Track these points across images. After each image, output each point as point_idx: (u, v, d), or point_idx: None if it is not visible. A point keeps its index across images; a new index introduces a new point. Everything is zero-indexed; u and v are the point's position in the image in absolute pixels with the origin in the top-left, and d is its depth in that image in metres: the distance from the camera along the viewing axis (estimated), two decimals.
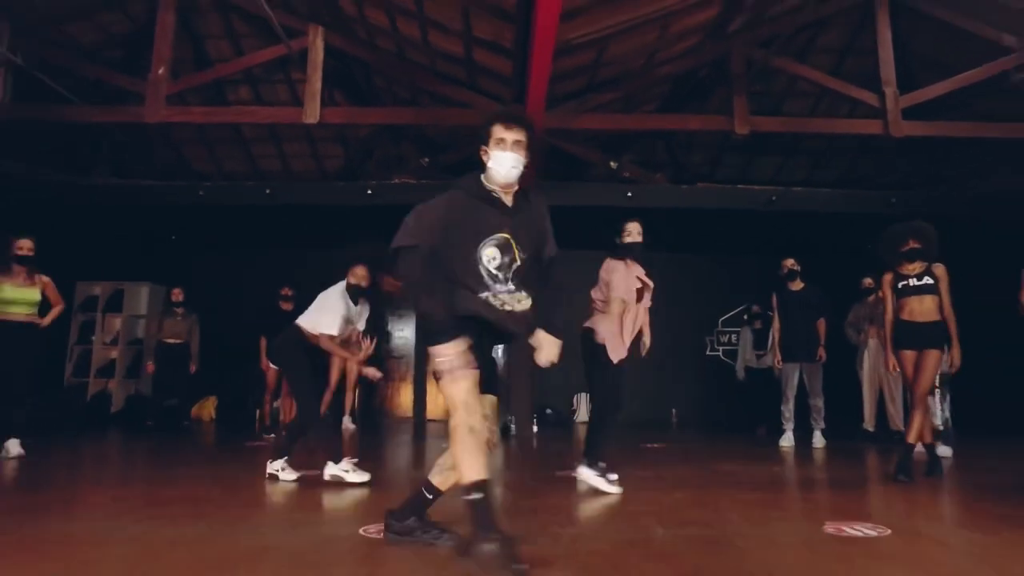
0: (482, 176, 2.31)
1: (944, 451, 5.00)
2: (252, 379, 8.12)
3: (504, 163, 2.23)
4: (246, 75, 7.65)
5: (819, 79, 6.30)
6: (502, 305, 2.25)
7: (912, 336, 4.08)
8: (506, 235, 2.25)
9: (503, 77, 6.02)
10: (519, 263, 2.27)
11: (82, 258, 8.57)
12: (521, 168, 2.27)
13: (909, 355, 4.10)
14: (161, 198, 7.44)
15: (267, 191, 7.33)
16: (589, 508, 3.20)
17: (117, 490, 3.60)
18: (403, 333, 9.94)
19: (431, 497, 2.38)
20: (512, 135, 2.25)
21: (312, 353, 3.93)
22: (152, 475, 4.23)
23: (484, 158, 2.29)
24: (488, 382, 2.29)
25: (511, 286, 2.25)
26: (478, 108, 6.16)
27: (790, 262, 6.01)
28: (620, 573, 2.07)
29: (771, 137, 8.02)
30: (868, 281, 6.37)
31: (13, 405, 4.76)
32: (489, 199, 2.28)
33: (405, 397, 9.69)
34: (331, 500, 3.37)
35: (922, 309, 4.08)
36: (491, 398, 2.34)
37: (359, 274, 3.99)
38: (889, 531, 2.62)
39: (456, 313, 2.21)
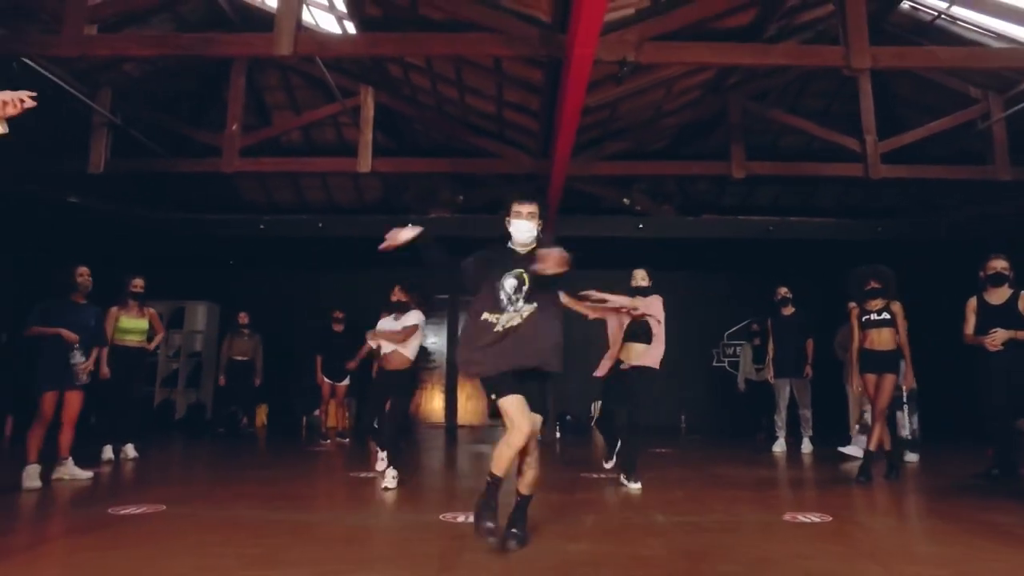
0: (510, 241, 3.07)
1: (911, 457, 5.87)
2: (301, 391, 9.19)
3: (521, 229, 3.01)
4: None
5: (807, 128, 7.16)
6: (508, 322, 2.87)
7: (873, 362, 4.97)
8: (520, 270, 2.94)
9: (530, 131, 6.97)
10: (527, 285, 2.92)
11: (150, 280, 9.64)
12: (535, 232, 3.03)
13: (871, 378, 4.99)
14: (225, 229, 8.49)
15: (319, 224, 8.35)
16: (606, 502, 4.13)
17: (236, 486, 4.59)
18: (435, 341, 10.84)
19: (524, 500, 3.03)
20: (526, 208, 3.01)
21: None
22: (252, 474, 5.22)
23: (507, 225, 3.04)
24: (534, 404, 3.06)
25: (520, 304, 2.89)
26: (507, 158, 7.12)
27: (783, 290, 6.89)
28: (628, 545, 3.01)
29: None
30: (852, 305, 7.18)
31: (127, 415, 5.80)
32: (511, 252, 3.04)
33: (437, 403, 10.68)
34: (409, 493, 4.35)
35: (880, 339, 4.98)
36: (537, 417, 3.25)
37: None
38: (831, 518, 3.53)
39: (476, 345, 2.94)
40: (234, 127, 7.05)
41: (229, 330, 8.31)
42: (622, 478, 4.50)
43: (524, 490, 3.00)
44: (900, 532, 3.37)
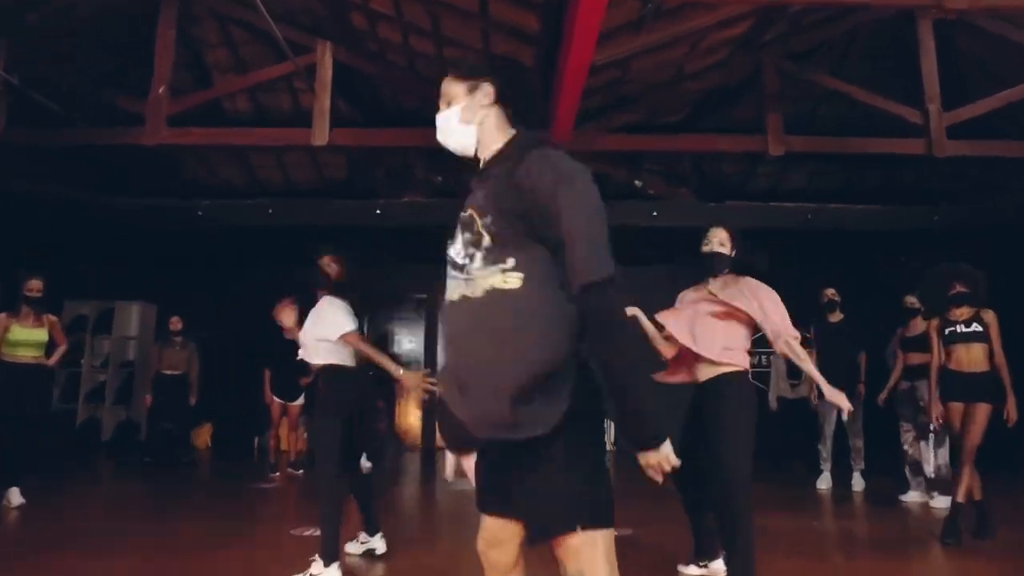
0: None
1: (939, 503, 5.06)
2: (252, 408, 8.35)
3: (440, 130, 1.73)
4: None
5: (857, 95, 6.39)
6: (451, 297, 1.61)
7: (961, 387, 4.22)
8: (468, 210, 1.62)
9: None
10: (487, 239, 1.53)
11: (70, 275, 8.78)
12: (460, 126, 1.68)
13: (957, 407, 4.23)
14: (156, 216, 7.63)
15: (269, 210, 7.51)
16: None
17: (132, 558, 3.77)
18: (412, 343, 10.04)
19: None
20: (444, 88, 1.73)
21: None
22: (166, 531, 4.38)
23: None
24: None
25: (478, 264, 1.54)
26: None
27: (830, 292, 6.14)
28: None
29: None
30: (911, 300, 6.31)
31: (21, 448, 4.96)
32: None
33: (412, 419, 9.88)
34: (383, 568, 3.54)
35: (971, 358, 4.22)
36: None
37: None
38: None
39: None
40: (160, 90, 6.21)
41: (159, 338, 7.49)
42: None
43: None
44: None
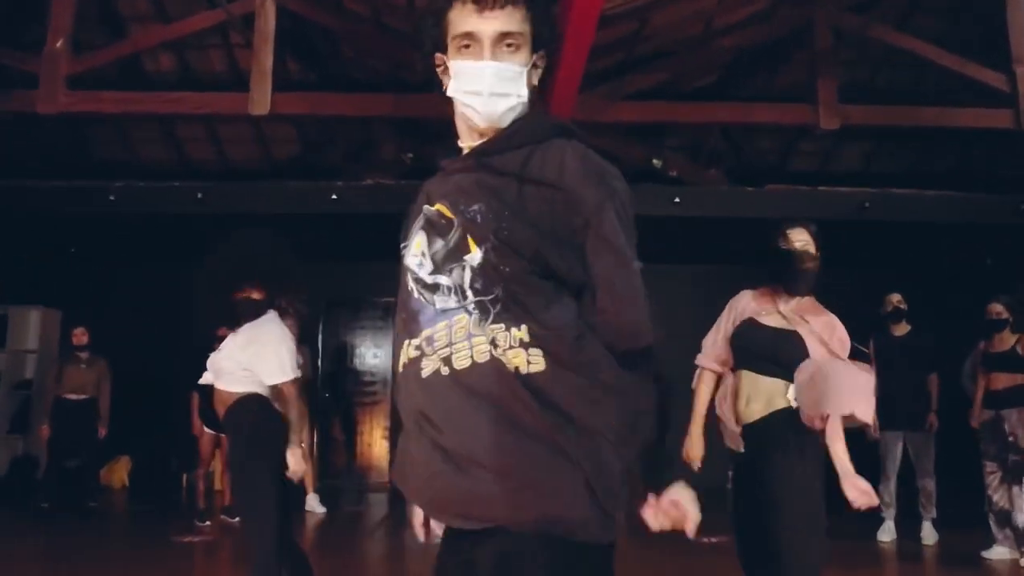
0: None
1: None
2: (177, 440, 8.17)
3: (476, 80, 1.39)
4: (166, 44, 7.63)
5: (929, 55, 6.30)
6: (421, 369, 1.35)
7: None
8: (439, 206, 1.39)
9: None
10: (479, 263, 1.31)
11: None
12: (518, 87, 1.39)
13: None
14: (58, 202, 7.41)
15: (199, 195, 7.30)
16: None
17: None
18: (377, 357, 9.88)
19: None
20: (490, 25, 1.37)
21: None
22: None
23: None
24: None
25: (454, 303, 1.33)
26: None
27: (896, 298, 6.08)
28: None
29: None
30: (997, 309, 5.73)
31: None
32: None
33: (378, 450, 9.71)
34: None
35: None
36: None
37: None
38: None
39: None
40: (58, 44, 6.02)
41: (61, 354, 7.31)
42: None
43: None
44: None
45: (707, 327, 3.48)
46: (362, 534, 6.59)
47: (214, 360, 3.56)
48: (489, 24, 1.37)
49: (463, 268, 1.31)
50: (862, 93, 7.06)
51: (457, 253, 1.32)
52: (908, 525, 5.99)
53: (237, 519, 6.73)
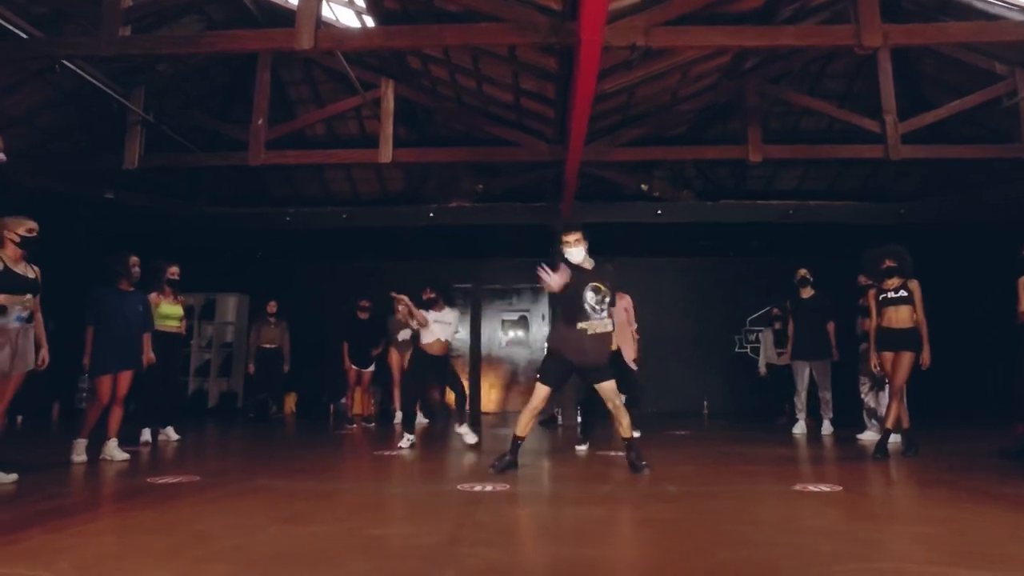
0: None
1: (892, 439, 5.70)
2: (328, 378, 9.44)
3: (574, 255, 4.11)
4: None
5: (825, 109, 7.17)
6: (593, 330, 3.95)
7: (890, 340, 5.02)
8: (597, 283, 4.02)
9: (546, 118, 7.11)
10: (607, 299, 4.02)
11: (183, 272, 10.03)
12: (584, 250, 4.12)
13: (887, 356, 5.04)
14: (254, 222, 8.80)
15: (343, 216, 8.60)
16: (619, 476, 4.29)
17: (266, 461, 4.85)
18: (459, 334, 11.01)
19: (519, 443, 4.16)
20: (572, 236, 4.10)
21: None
22: (282, 452, 5.47)
23: (565, 253, 4.13)
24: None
25: (603, 315, 4.00)
26: (524, 146, 7.27)
27: (802, 271, 6.91)
28: (639, 510, 3.16)
29: None
30: (862, 279, 6.41)
31: (168, 398, 6.11)
32: (582, 269, 4.11)
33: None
34: (431, 466, 4.56)
35: (898, 317, 5.02)
36: (608, 384, 4.11)
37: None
38: (840, 488, 3.63)
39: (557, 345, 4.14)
40: (260, 121, 7.30)
41: (257, 319, 8.61)
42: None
43: (625, 434, 4.15)
44: (904, 499, 3.46)
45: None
46: (445, 436, 7.79)
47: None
48: (572, 236, 4.20)
49: (605, 305, 4.07)
50: (788, 136, 7.96)
51: (604, 300, 4.06)
52: (815, 424, 6.87)
53: (372, 424, 8.03)
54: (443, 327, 5.75)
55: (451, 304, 5.87)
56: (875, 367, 5.20)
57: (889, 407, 4.97)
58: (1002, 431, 5.54)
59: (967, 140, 7.62)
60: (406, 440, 5.44)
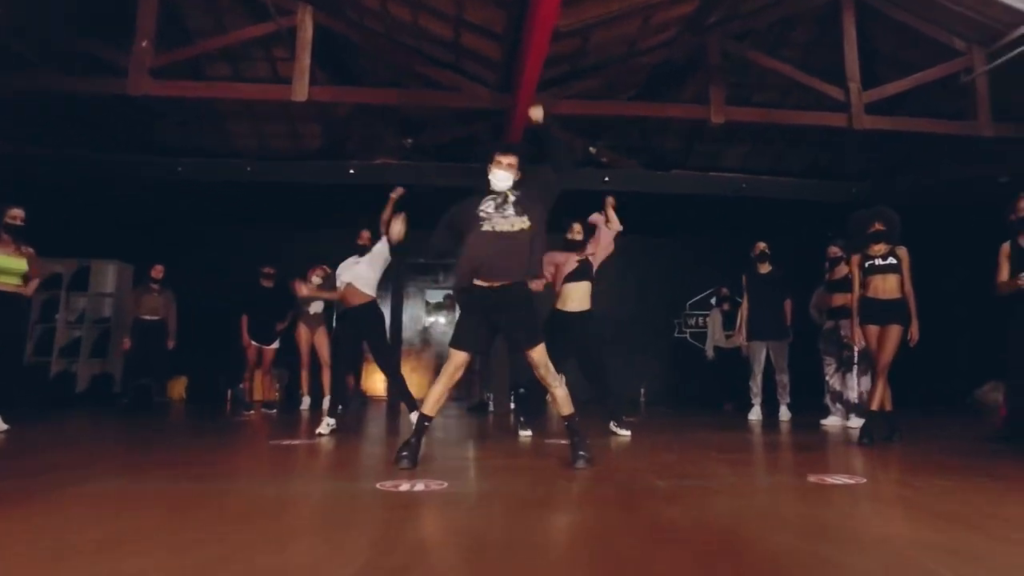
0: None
1: (857, 423, 5.20)
2: (226, 358, 8.10)
3: (499, 178, 3.24)
4: (224, 52, 7.59)
5: (789, 73, 6.63)
6: (493, 227, 3.14)
7: (876, 312, 4.44)
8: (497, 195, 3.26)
9: (490, 61, 6.15)
10: (510, 202, 3.21)
11: (45, 233, 8.34)
12: (511, 181, 3.24)
13: (872, 329, 4.45)
14: (135, 173, 7.33)
15: (247, 168, 7.30)
16: (588, 470, 3.43)
17: (137, 456, 3.66)
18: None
19: (426, 422, 3.27)
20: (506, 159, 3.23)
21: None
22: (160, 444, 4.26)
23: (488, 174, 3.26)
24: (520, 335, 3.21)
25: (508, 213, 3.17)
26: (464, 91, 6.28)
27: (762, 245, 6.33)
28: (636, 512, 2.29)
29: (741, 127, 8.41)
30: (834, 249, 6.06)
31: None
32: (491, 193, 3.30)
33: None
34: (344, 460, 3.52)
35: (886, 287, 4.44)
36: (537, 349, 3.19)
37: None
38: (864, 480, 2.92)
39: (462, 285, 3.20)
40: (144, 43, 5.99)
41: (139, 285, 7.21)
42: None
43: (562, 411, 3.23)
44: (948, 491, 2.77)
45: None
46: (362, 422, 6.71)
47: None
48: (505, 159, 3.28)
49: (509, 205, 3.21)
50: (742, 100, 7.38)
51: (507, 201, 3.22)
52: (771, 411, 6.30)
53: (274, 411, 6.84)
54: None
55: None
56: (859, 343, 4.60)
57: (874, 387, 4.37)
58: (973, 413, 5.11)
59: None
60: (326, 425, 4.55)
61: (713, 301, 8.70)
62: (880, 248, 4.52)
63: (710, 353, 7.95)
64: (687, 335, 9.60)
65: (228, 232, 8.94)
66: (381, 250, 4.98)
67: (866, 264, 4.55)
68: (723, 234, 8.99)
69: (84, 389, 8.64)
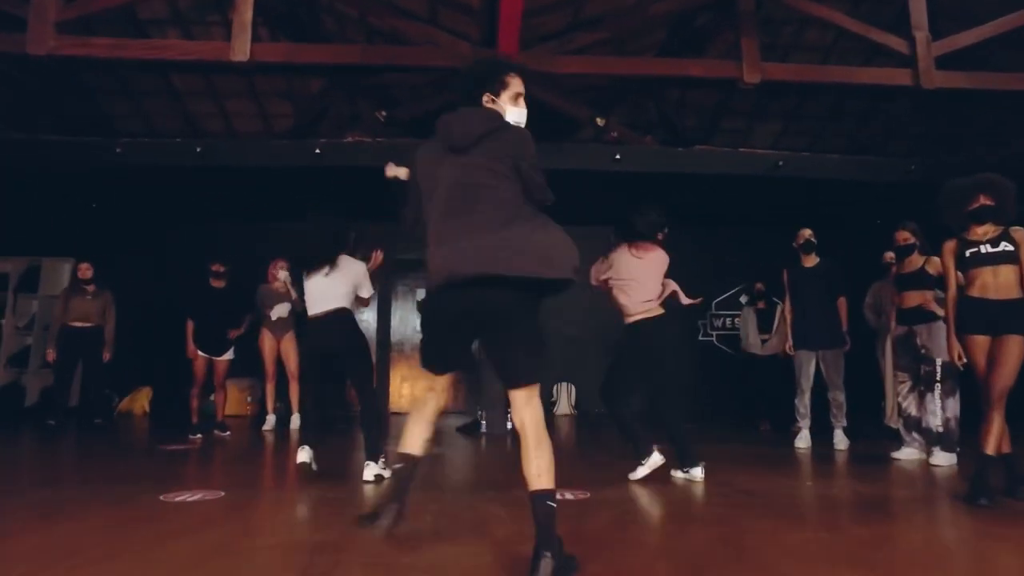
0: None
1: (942, 459, 4.08)
2: (183, 368, 7.04)
3: (515, 116, 2.05)
4: (173, 14, 6.54)
5: (841, 21, 5.34)
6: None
7: (984, 317, 3.19)
8: None
9: (469, 8, 4.98)
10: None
11: None
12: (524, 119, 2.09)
13: (980, 341, 3.20)
14: (70, 156, 6.27)
15: (198, 149, 6.20)
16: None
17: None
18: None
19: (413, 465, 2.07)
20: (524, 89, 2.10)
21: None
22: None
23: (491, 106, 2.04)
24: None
25: None
26: (440, 47, 5.10)
27: (807, 232, 5.10)
28: None
29: (773, 99, 7.15)
30: (889, 255, 5.26)
31: None
32: None
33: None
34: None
35: (997, 283, 3.19)
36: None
37: None
38: None
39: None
40: None
41: (67, 288, 6.17)
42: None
43: (533, 484, 1.83)
44: None
45: None
46: (343, 451, 5.61)
47: None
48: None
49: None
50: (781, 55, 6.13)
51: None
52: (823, 435, 5.05)
53: (227, 432, 5.77)
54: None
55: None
56: (959, 359, 3.34)
57: (988, 422, 3.10)
58: None
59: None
60: (306, 453, 3.47)
61: (743, 300, 7.46)
62: (987, 230, 3.27)
63: (753, 348, 6.58)
64: (713, 338, 8.33)
65: (198, 228, 7.87)
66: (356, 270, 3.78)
67: (967, 253, 3.29)
68: (754, 222, 7.73)
69: (34, 403, 7.67)
